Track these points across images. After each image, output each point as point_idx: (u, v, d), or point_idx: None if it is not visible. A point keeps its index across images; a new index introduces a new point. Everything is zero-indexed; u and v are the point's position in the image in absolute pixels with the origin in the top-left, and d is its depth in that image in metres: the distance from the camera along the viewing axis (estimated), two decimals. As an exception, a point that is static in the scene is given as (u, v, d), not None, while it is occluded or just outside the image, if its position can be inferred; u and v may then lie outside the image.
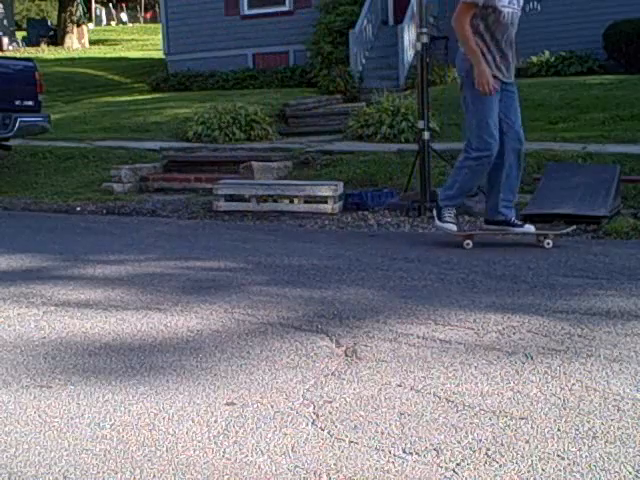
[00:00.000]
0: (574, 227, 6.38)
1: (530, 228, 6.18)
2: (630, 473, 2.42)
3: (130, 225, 7.71)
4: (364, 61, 15.84)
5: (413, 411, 2.91)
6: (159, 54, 22.77)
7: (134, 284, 5.04)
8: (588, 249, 6.02)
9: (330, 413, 2.91)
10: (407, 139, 10.71)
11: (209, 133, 12.06)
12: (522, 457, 2.53)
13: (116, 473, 2.50)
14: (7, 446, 2.71)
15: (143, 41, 34.07)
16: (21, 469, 2.55)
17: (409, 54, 14.94)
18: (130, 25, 48.82)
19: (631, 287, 4.67)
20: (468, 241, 6.06)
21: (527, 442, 2.63)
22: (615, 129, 10.43)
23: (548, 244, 5.99)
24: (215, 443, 2.69)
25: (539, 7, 16.07)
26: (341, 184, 8.28)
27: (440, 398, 3.02)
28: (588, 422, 2.78)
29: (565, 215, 6.95)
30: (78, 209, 8.81)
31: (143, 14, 55.26)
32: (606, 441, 2.63)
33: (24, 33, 35.62)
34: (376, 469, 2.48)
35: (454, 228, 6.16)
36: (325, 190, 8.06)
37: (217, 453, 2.61)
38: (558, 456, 2.53)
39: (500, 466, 2.48)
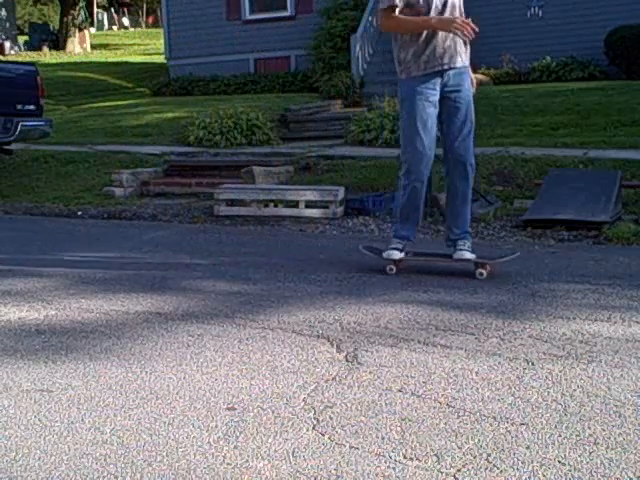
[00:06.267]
0: (518, 254, 5.41)
1: (464, 254, 5.25)
2: (631, 479, 2.41)
3: (130, 229, 7.71)
4: (365, 66, 15.85)
5: (414, 416, 2.91)
6: (161, 59, 22.81)
7: (134, 289, 5.03)
8: (589, 255, 6.01)
9: (331, 418, 2.90)
10: (408, 144, 10.71)
11: (210, 138, 12.07)
12: (523, 463, 2.53)
13: (116, 477, 2.50)
14: (7, 450, 2.71)
15: (145, 46, 34.14)
16: (21, 473, 2.54)
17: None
18: (132, 30, 48.90)
19: (632, 293, 4.67)
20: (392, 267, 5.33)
21: (528, 448, 2.63)
22: (616, 135, 10.43)
23: (481, 274, 5.11)
24: (215, 448, 2.69)
25: (540, 13, 16.09)
26: (342, 189, 8.28)
27: (441, 403, 3.02)
28: (589, 428, 2.77)
29: (566, 221, 6.96)
30: (79, 213, 8.82)
31: (145, 19, 55.39)
32: (607, 447, 2.62)
33: (26, 37, 35.70)
34: (377, 475, 2.47)
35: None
36: (326, 195, 8.06)
37: (217, 458, 2.61)
38: (559, 462, 2.53)
39: (501, 472, 2.47)
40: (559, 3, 15.88)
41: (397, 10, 5.08)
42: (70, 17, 31.94)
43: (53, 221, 8.51)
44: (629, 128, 10.67)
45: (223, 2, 19.07)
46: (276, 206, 8.25)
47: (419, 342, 3.79)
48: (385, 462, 2.55)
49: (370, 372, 3.39)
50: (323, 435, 2.76)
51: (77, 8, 32.04)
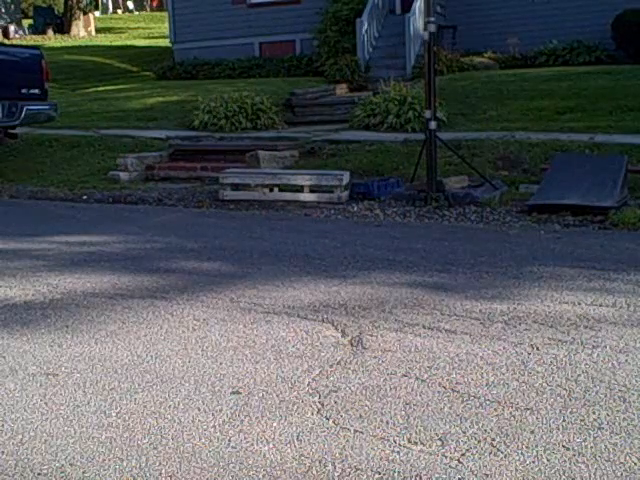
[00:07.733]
0: None
1: None
2: (635, 464, 2.42)
3: (136, 214, 7.71)
4: (371, 50, 15.77)
5: (418, 401, 2.91)
6: (165, 42, 22.72)
7: (140, 273, 5.04)
8: (595, 240, 6.00)
9: (335, 402, 2.91)
10: (414, 129, 10.67)
11: (215, 122, 12.04)
12: (527, 447, 2.53)
13: (122, 461, 2.51)
14: (14, 433, 2.72)
15: (149, 29, 34.00)
16: (28, 456, 2.56)
17: (416, 43, 14.88)
18: (136, 13, 48.70)
19: (638, 278, 4.65)
20: None
21: (532, 432, 2.63)
22: (623, 119, 10.37)
23: None
24: (220, 432, 2.70)
25: (547, -4, 15.96)
26: (347, 174, 8.26)
27: (445, 388, 3.02)
28: (594, 413, 2.77)
29: (571, 206, 6.93)
30: (84, 197, 8.82)
31: (149, 2, 55.13)
32: (611, 432, 2.63)
33: (31, 21, 35.60)
34: (381, 458, 2.48)
35: None
36: (331, 180, 8.05)
37: (222, 442, 2.62)
38: (563, 447, 2.53)
39: (505, 456, 2.48)
40: (566, -14, 15.74)
41: None
42: (75, 0, 31.81)
43: (58, 205, 8.51)
44: (636, 113, 10.60)
45: (228, -15, 18.96)
46: (281, 190, 8.24)
47: (424, 327, 3.79)
48: (389, 446, 2.56)
49: (375, 357, 3.39)
50: (328, 419, 2.77)
51: (81, -9, 31.90)
